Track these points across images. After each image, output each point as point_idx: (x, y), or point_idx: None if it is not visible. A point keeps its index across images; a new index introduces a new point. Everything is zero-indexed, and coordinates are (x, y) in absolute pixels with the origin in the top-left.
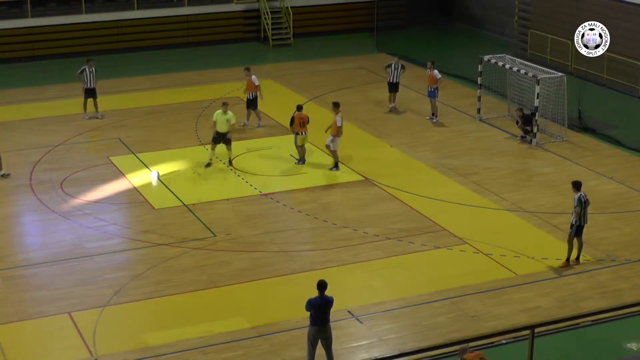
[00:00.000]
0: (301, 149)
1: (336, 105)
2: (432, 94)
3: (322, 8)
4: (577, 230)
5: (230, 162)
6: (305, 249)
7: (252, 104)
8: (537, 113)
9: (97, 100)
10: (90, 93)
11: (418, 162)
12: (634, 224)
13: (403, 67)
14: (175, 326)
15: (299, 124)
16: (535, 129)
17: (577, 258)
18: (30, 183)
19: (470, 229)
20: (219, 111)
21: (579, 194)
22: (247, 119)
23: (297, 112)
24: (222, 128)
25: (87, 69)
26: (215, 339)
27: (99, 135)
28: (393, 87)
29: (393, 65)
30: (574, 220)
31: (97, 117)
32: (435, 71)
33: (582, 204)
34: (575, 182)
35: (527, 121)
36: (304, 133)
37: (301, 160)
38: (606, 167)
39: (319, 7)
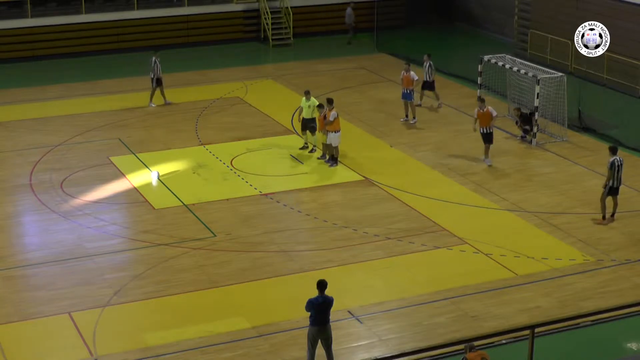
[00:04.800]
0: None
1: (330, 101)
2: (408, 96)
3: (322, 8)
4: (609, 190)
5: (313, 149)
6: (305, 249)
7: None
8: (536, 113)
9: (165, 89)
10: (158, 82)
11: (418, 162)
12: (634, 224)
13: (431, 65)
14: (175, 326)
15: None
16: (535, 129)
17: (612, 215)
18: (30, 183)
19: (470, 229)
20: (303, 98)
21: (613, 158)
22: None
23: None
24: (306, 114)
25: (154, 59)
26: (215, 339)
27: (99, 135)
28: (428, 86)
29: (426, 65)
30: (607, 181)
31: (166, 104)
32: (412, 72)
33: (615, 168)
34: (611, 147)
35: (525, 120)
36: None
37: (328, 159)
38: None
39: (319, 7)
